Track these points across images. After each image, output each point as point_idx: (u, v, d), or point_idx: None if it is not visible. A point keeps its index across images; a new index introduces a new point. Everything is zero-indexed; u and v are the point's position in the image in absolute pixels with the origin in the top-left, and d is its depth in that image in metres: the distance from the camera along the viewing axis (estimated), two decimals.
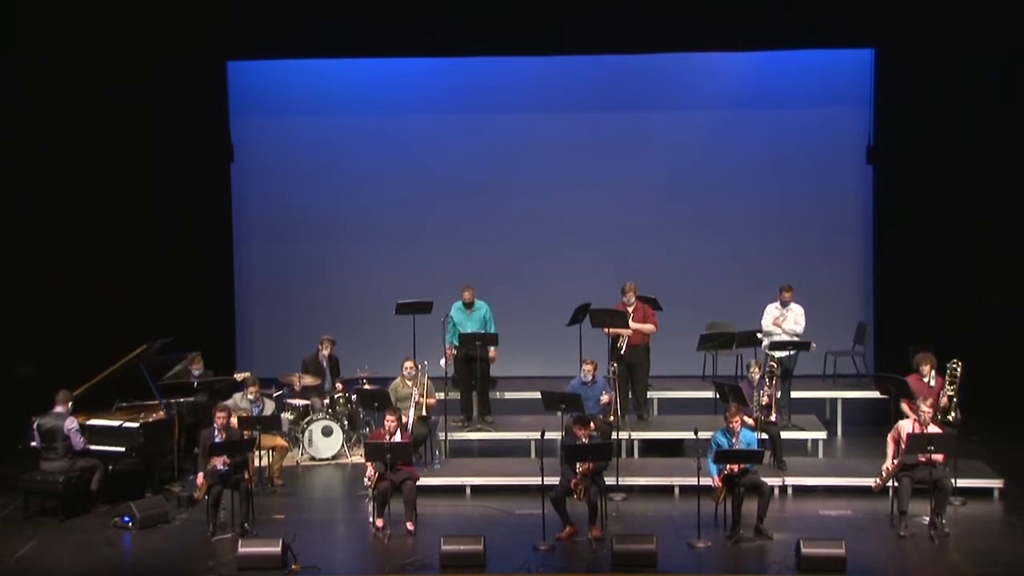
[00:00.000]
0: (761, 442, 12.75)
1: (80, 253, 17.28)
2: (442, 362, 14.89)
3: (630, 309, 14.62)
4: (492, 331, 14.88)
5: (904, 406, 12.99)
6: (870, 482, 12.59)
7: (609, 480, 12.67)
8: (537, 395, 13.66)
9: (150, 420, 13.61)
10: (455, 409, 15.05)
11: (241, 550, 11.51)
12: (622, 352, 14.52)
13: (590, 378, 13.69)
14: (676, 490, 13.39)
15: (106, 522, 12.68)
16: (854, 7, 16.56)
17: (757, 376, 13.59)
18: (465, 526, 12.33)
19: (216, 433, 12.58)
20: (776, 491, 12.92)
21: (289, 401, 15.01)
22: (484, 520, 12.69)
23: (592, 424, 12.68)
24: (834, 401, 15.64)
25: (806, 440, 14.58)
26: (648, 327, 14.68)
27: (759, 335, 14.81)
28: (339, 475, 14.45)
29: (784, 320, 14.77)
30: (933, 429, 12.19)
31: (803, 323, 14.78)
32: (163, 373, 14.24)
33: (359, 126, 17.96)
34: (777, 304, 14.90)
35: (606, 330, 14.67)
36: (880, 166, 17.29)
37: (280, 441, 14.04)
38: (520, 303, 16.96)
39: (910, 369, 13.39)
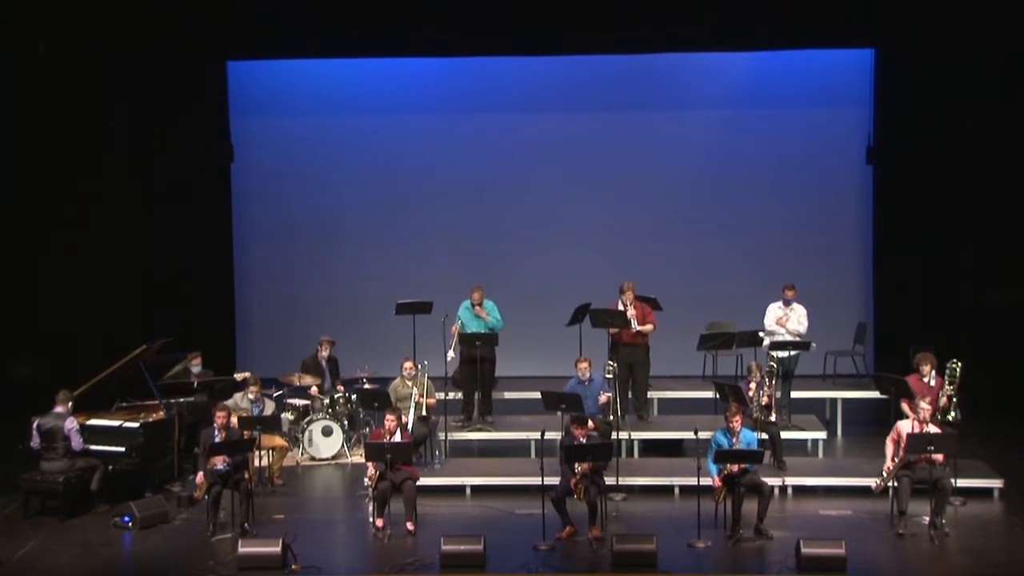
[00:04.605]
0: (761, 442, 12.75)
1: (80, 253, 17.29)
2: (450, 354, 14.84)
3: (630, 310, 14.63)
4: (497, 319, 14.87)
5: (904, 406, 12.99)
6: (870, 482, 12.59)
7: (609, 480, 12.67)
8: (537, 395, 13.66)
9: (150, 420, 13.61)
10: (455, 409, 15.05)
11: (241, 550, 11.52)
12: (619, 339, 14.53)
13: (586, 376, 13.70)
14: (676, 490, 13.39)
15: (106, 522, 12.68)
16: (854, 7, 16.57)
17: (757, 376, 13.59)
18: (465, 526, 12.33)
19: (216, 433, 12.58)
20: (776, 491, 12.91)
21: (289, 401, 15.01)
22: (484, 520, 12.69)
23: (591, 424, 12.68)
24: (834, 401, 15.64)
25: (806, 440, 14.58)
26: (647, 327, 14.69)
27: (761, 335, 14.79)
28: (339, 475, 14.45)
29: (788, 320, 14.77)
30: (932, 428, 12.20)
31: (807, 323, 14.79)
32: (163, 373, 14.23)
33: (359, 126, 17.96)
34: (780, 303, 14.90)
35: (609, 330, 14.69)
36: (880, 166, 17.29)
37: (280, 441, 14.03)
38: (520, 303, 16.91)
39: (910, 369, 13.39)
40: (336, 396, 15.04)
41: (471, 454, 14.83)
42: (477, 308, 14.89)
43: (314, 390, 15.07)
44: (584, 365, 13.76)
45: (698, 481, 12.04)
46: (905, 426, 12.34)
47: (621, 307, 14.69)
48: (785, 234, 17.68)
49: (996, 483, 13.25)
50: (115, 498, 13.02)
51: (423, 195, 17.98)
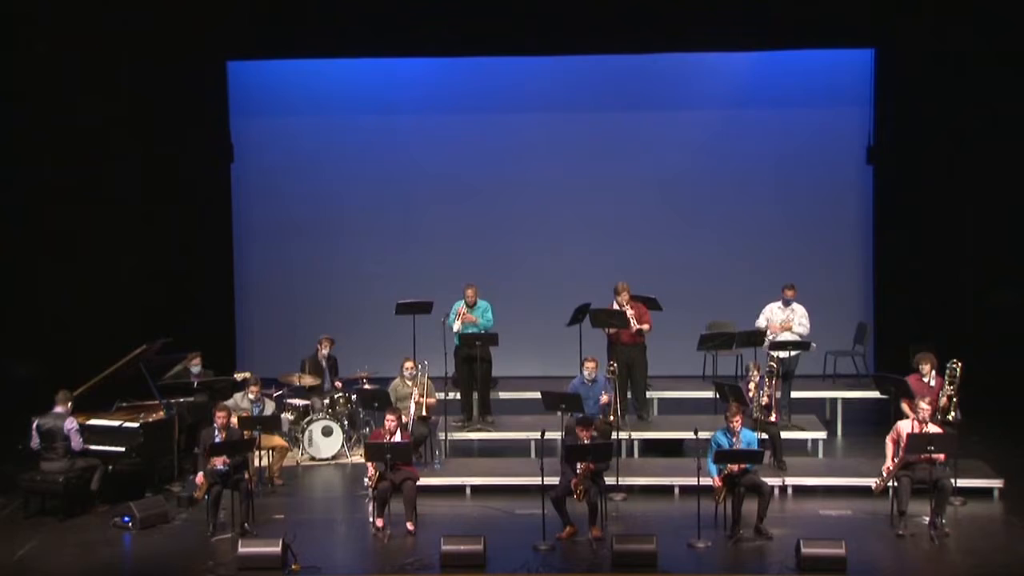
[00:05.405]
0: (761, 442, 12.75)
1: (80, 253, 17.30)
2: (457, 325, 14.79)
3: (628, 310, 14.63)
4: (490, 321, 14.87)
5: (904, 406, 12.99)
6: (870, 482, 12.58)
7: (609, 480, 12.67)
8: (537, 395, 13.66)
9: (150, 420, 13.61)
10: (455, 409, 15.05)
11: (241, 550, 11.51)
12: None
13: (592, 376, 13.68)
14: (676, 490, 13.39)
15: (106, 522, 12.67)
16: (854, 7, 16.58)
17: (756, 376, 13.59)
18: (465, 526, 12.33)
19: (216, 433, 12.58)
20: (776, 491, 12.91)
21: (289, 401, 15.01)
22: (484, 520, 12.69)
23: (593, 425, 12.68)
24: (834, 401, 15.63)
25: (806, 440, 14.57)
26: (646, 327, 14.69)
27: (767, 337, 14.72)
28: (339, 475, 14.44)
29: (791, 323, 14.71)
30: (932, 428, 12.20)
31: (807, 323, 14.78)
32: (163, 373, 14.24)
33: (359, 126, 17.96)
34: (779, 304, 14.88)
35: (609, 330, 14.68)
36: (880, 166, 17.29)
37: (280, 441, 14.03)
38: (520, 303, 16.96)
39: (910, 369, 13.39)
40: (336, 396, 15.05)
41: (471, 454, 14.83)
42: (467, 315, 14.80)
43: (307, 380, 15.07)
44: (591, 365, 13.74)
45: (698, 481, 12.03)
46: (905, 426, 12.35)
47: (616, 308, 14.69)
48: (785, 234, 17.68)
49: (996, 483, 13.25)
50: (115, 498, 13.02)
51: (423, 195, 17.98)
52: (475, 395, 15.07)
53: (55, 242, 17.30)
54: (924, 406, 12.21)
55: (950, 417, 12.83)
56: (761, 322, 14.82)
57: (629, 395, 14.79)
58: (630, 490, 13.43)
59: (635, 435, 14.44)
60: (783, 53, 17.38)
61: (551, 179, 17.83)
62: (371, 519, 12.44)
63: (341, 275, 18.11)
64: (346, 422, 14.89)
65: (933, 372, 13.15)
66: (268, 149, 18.06)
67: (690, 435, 12.72)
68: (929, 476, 12.03)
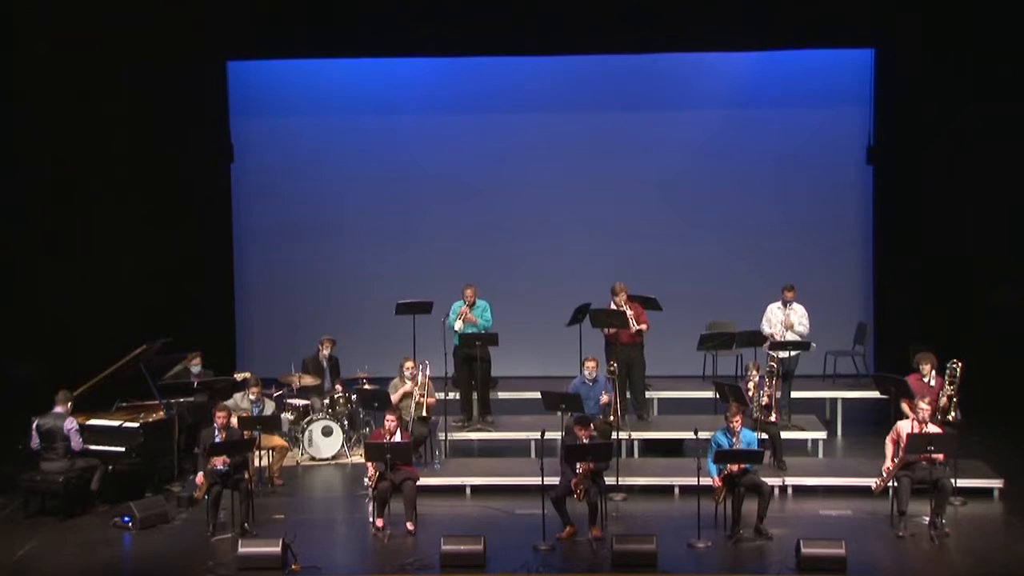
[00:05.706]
0: (761, 442, 12.75)
1: (80, 253, 17.30)
2: (459, 324, 14.79)
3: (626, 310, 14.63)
4: (488, 321, 14.85)
5: (904, 406, 12.98)
6: (870, 482, 12.58)
7: (609, 480, 12.67)
8: (537, 395, 13.66)
9: (150, 420, 13.61)
10: (455, 409, 15.05)
11: (241, 550, 11.52)
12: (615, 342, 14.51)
13: (593, 376, 13.67)
14: (676, 490, 13.39)
15: (106, 522, 12.67)
16: (854, 7, 16.57)
17: (755, 376, 13.58)
18: (465, 526, 12.33)
19: (216, 433, 12.58)
20: (776, 491, 12.91)
21: (289, 401, 15.01)
22: (484, 520, 12.69)
23: (592, 425, 12.68)
24: (834, 401, 15.64)
25: (806, 440, 14.57)
26: (642, 327, 14.67)
27: (769, 338, 14.71)
28: (339, 475, 14.45)
29: (792, 323, 14.71)
30: (932, 428, 12.20)
31: (807, 323, 14.78)
32: (163, 373, 14.24)
33: (359, 126, 17.96)
34: (779, 304, 14.87)
35: (608, 330, 14.67)
36: (880, 166, 17.30)
37: (280, 441, 14.03)
38: (520, 303, 16.96)
39: (910, 369, 13.39)
40: (336, 396, 15.04)
41: (471, 454, 14.84)
42: (469, 315, 14.79)
43: (307, 380, 15.06)
44: (592, 364, 13.73)
45: (698, 481, 12.04)
46: (905, 426, 12.35)
47: (614, 308, 14.68)
48: (785, 234, 17.68)
49: (996, 483, 13.25)
50: (115, 498, 13.02)
51: (423, 195, 17.98)
52: (475, 395, 15.08)
53: (55, 242, 17.30)
54: (924, 406, 12.21)
55: (950, 417, 12.82)
56: (765, 328, 14.79)
57: (628, 395, 14.79)
58: (630, 490, 13.43)
59: (635, 435, 14.44)
60: (783, 53, 17.38)
61: (551, 179, 17.83)
62: (371, 519, 12.44)
63: (341, 275, 18.11)
64: (346, 422, 14.89)
65: (933, 372, 13.15)
66: (268, 149, 18.07)
67: (690, 435, 12.73)
68: (929, 476, 12.03)
